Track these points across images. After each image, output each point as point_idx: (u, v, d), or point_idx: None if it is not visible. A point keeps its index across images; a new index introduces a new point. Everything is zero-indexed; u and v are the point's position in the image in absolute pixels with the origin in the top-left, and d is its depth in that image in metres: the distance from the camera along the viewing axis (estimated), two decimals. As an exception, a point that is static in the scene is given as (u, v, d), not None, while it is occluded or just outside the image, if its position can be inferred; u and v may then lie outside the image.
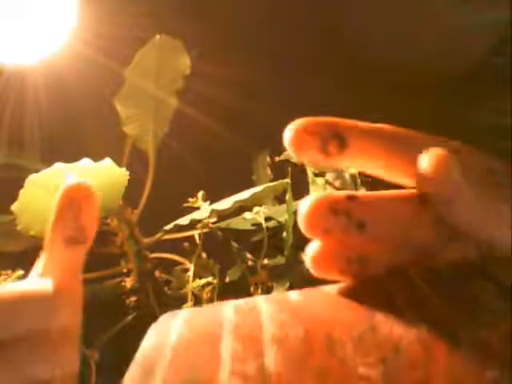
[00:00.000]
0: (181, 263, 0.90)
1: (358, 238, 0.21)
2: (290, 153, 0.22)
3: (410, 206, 0.22)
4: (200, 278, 0.86)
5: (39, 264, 0.26)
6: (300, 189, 0.89)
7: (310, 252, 0.22)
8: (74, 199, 0.26)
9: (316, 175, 0.89)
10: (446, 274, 0.21)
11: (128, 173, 0.74)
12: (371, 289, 0.21)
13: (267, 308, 0.20)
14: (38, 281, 0.25)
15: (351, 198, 0.21)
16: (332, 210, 0.21)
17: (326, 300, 0.20)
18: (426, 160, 0.21)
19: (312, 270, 0.22)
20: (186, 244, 0.92)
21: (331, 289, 0.22)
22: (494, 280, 0.20)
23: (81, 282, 0.27)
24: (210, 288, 0.86)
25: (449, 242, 0.22)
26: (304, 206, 0.21)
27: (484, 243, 0.21)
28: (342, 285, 0.22)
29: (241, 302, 0.21)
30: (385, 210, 0.21)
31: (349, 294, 0.21)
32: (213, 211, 0.81)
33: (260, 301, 0.21)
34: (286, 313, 0.20)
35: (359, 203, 0.21)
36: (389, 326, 0.18)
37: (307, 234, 0.22)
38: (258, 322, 0.19)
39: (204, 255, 0.90)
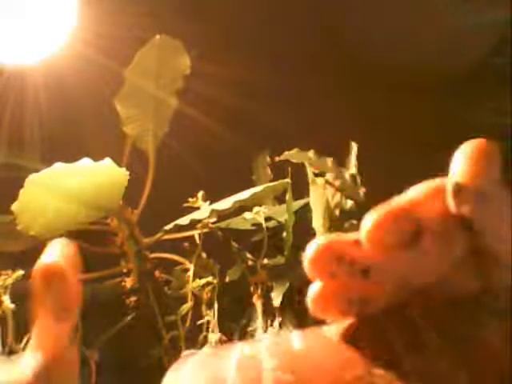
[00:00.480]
0: (181, 263, 0.90)
1: (361, 282, 0.22)
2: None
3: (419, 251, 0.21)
4: (200, 278, 0.86)
5: (31, 341, 0.26)
6: (300, 189, 0.89)
7: (312, 293, 0.22)
8: (49, 281, 0.26)
9: (316, 175, 0.89)
10: (446, 312, 0.21)
11: (128, 173, 0.74)
12: (370, 333, 0.21)
13: (269, 362, 0.20)
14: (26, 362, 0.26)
15: (357, 243, 0.21)
16: (337, 257, 0.21)
17: (326, 351, 0.20)
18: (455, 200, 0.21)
19: (313, 311, 0.23)
20: (185, 244, 0.92)
21: (331, 333, 0.22)
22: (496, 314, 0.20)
23: (74, 350, 0.28)
24: (209, 288, 0.86)
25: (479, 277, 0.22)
26: (310, 249, 0.21)
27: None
28: (341, 328, 0.22)
29: (245, 352, 0.21)
30: (389, 258, 0.21)
31: (348, 339, 0.21)
32: (213, 211, 0.81)
33: (263, 351, 0.21)
34: (287, 371, 0.20)
35: (364, 250, 0.21)
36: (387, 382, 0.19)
37: (312, 277, 0.22)
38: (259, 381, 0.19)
39: (204, 255, 0.90)
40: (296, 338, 0.21)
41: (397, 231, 0.20)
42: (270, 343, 0.21)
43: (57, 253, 0.26)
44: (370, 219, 0.20)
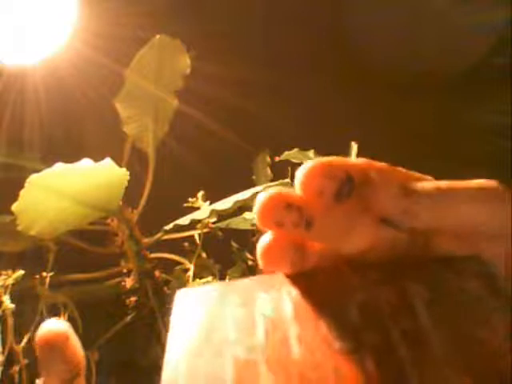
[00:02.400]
0: (181, 263, 0.90)
1: (304, 235, 0.22)
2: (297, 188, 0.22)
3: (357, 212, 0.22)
4: (200, 278, 0.86)
5: None
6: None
7: (261, 245, 0.23)
8: (54, 346, 0.26)
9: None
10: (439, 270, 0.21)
11: (128, 173, 0.74)
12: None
13: (271, 379, 0.20)
14: None
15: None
16: (286, 204, 0.22)
17: (329, 361, 0.20)
18: (376, 176, 0.22)
19: (263, 264, 0.23)
20: (186, 244, 0.92)
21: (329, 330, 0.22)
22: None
23: None
24: (210, 288, 0.86)
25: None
26: (260, 198, 0.22)
27: (450, 230, 0.22)
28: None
29: (240, 352, 0.21)
30: (332, 216, 0.22)
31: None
32: (213, 211, 0.81)
33: (259, 358, 0.21)
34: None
35: (310, 203, 0.22)
36: None
37: (261, 226, 0.23)
38: None
39: (204, 255, 0.90)
40: (295, 340, 0.21)
41: (330, 177, 0.21)
42: (266, 348, 0.21)
43: (55, 321, 0.27)
44: (305, 166, 0.22)
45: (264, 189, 0.80)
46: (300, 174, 0.22)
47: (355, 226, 0.22)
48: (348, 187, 0.22)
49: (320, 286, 0.22)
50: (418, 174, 0.24)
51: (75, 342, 0.27)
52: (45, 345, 0.26)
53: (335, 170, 0.22)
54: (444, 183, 0.23)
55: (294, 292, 0.22)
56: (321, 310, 0.21)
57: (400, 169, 0.23)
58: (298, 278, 0.23)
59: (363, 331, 0.20)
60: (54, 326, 0.27)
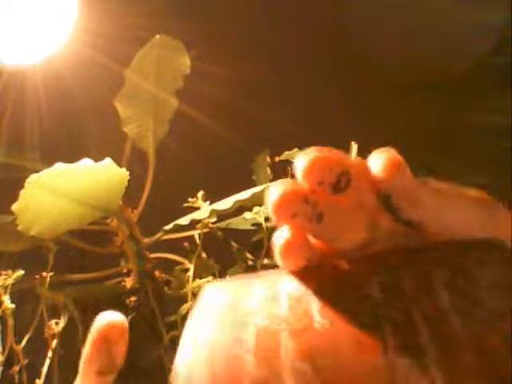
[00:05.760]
0: (181, 263, 0.90)
1: (314, 229, 0.23)
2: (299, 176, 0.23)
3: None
4: (200, 278, 0.86)
5: None
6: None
7: (280, 240, 0.23)
8: (109, 338, 0.27)
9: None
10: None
11: (128, 173, 0.74)
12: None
13: (291, 346, 0.20)
14: None
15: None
16: (301, 197, 0.22)
17: (350, 331, 0.21)
18: (380, 163, 0.23)
19: (282, 258, 0.23)
20: (186, 244, 0.92)
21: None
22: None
23: None
24: (210, 288, 0.86)
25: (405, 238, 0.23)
26: (275, 191, 0.23)
27: (444, 233, 0.23)
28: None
29: (263, 321, 0.21)
30: (335, 210, 0.23)
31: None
32: (213, 211, 0.81)
33: (282, 327, 0.21)
34: (308, 361, 0.20)
35: (325, 197, 0.23)
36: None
37: (275, 218, 0.23)
38: (280, 374, 0.20)
39: (204, 255, 0.90)
40: (320, 311, 0.21)
41: (328, 168, 0.22)
42: (289, 319, 0.21)
43: (115, 314, 0.28)
44: (305, 157, 0.22)
45: (264, 189, 0.80)
46: (301, 163, 0.22)
47: (354, 220, 0.23)
48: (345, 179, 0.22)
49: (339, 271, 0.22)
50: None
51: (126, 340, 0.28)
52: (100, 335, 0.27)
53: (333, 162, 0.22)
54: (448, 185, 0.24)
55: (318, 276, 0.23)
56: (343, 287, 0.22)
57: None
58: (316, 270, 0.23)
59: (384, 307, 0.20)
60: (115, 320, 0.27)
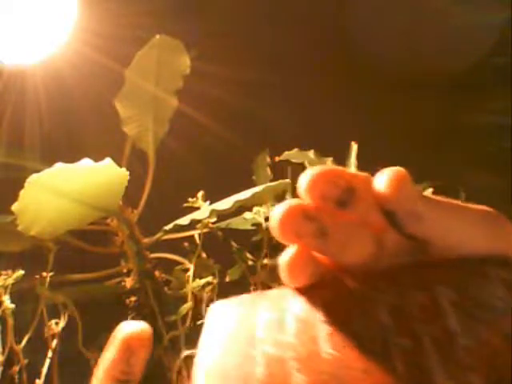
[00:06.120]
0: (181, 263, 0.90)
1: (319, 246, 0.23)
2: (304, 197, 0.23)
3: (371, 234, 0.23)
4: (200, 278, 0.86)
5: None
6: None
7: (285, 258, 0.23)
8: (132, 347, 0.27)
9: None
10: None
11: (128, 173, 0.74)
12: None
13: (301, 378, 0.20)
14: None
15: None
16: (304, 215, 0.22)
17: (359, 360, 0.20)
18: (384, 179, 0.23)
19: (286, 276, 0.23)
20: (186, 244, 0.92)
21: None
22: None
23: None
24: (209, 288, 0.86)
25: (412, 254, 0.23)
26: (278, 210, 0.23)
27: (449, 249, 0.23)
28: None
29: (270, 349, 0.21)
30: (339, 226, 0.23)
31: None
32: (213, 211, 0.81)
33: (290, 355, 0.21)
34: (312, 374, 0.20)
35: (329, 212, 0.23)
36: None
37: (280, 238, 0.23)
38: None
39: (204, 255, 0.90)
40: (327, 341, 0.21)
41: (332, 183, 0.22)
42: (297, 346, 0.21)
43: (141, 324, 0.27)
44: (309, 173, 0.22)
45: (264, 189, 0.80)
46: (304, 179, 0.22)
47: (360, 235, 0.23)
48: (349, 194, 0.22)
49: (346, 291, 0.22)
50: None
51: (148, 350, 0.28)
52: (123, 344, 0.27)
53: (337, 177, 0.22)
54: (451, 200, 0.24)
55: (324, 296, 0.22)
56: (351, 311, 0.21)
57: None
58: (321, 287, 0.23)
59: (393, 334, 0.20)
60: (139, 328, 0.27)
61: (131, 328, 0.27)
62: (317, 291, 0.23)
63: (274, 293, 0.24)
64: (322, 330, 0.21)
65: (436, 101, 1.12)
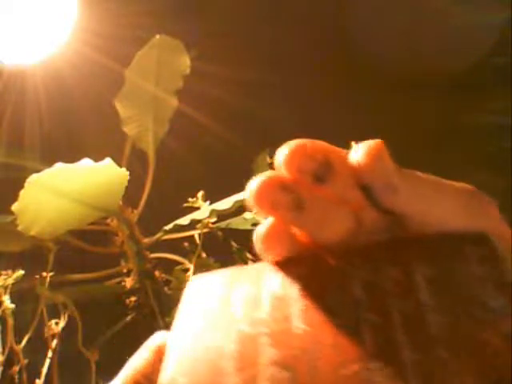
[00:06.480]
0: (181, 263, 0.90)
1: (295, 220, 0.23)
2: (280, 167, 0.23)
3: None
4: (200, 278, 0.86)
5: None
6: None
7: (260, 230, 0.23)
8: (162, 356, 0.27)
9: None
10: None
11: (128, 173, 0.74)
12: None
13: (270, 353, 0.20)
14: None
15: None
16: (281, 186, 0.22)
17: (330, 336, 0.20)
18: (360, 152, 0.22)
19: (261, 248, 0.23)
20: (186, 244, 0.92)
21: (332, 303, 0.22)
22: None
23: None
24: (210, 288, 0.86)
25: (389, 228, 0.23)
26: (255, 181, 0.23)
27: (427, 225, 0.23)
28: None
29: (244, 326, 0.21)
30: (316, 201, 0.23)
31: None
32: (213, 211, 0.81)
33: (262, 332, 0.21)
34: (286, 369, 0.20)
35: (307, 187, 0.22)
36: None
37: (255, 208, 0.23)
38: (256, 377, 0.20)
39: (204, 255, 0.90)
40: (298, 316, 0.21)
41: (310, 157, 0.22)
42: (269, 319, 0.21)
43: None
44: (287, 146, 0.22)
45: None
46: (282, 152, 0.22)
47: (336, 212, 0.23)
48: (327, 169, 0.22)
49: (322, 267, 0.22)
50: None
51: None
52: (158, 351, 0.27)
53: (314, 151, 0.22)
54: (430, 176, 0.23)
55: (301, 271, 0.22)
56: (326, 287, 0.21)
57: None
58: (298, 262, 0.23)
59: (364, 309, 0.20)
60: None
61: (165, 337, 0.27)
62: (294, 267, 0.23)
63: (252, 268, 0.24)
64: (297, 306, 0.21)
65: (436, 101, 1.12)
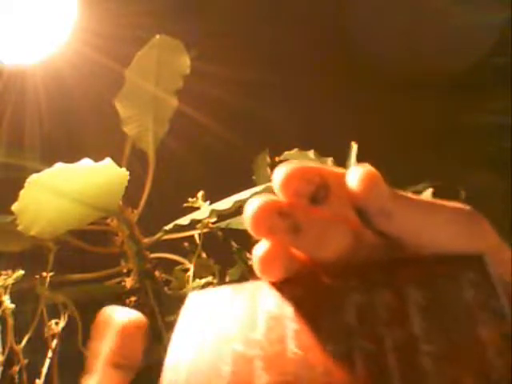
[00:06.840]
0: (181, 263, 0.90)
1: (292, 242, 0.23)
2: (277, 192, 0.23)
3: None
4: (200, 278, 0.86)
5: None
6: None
7: (258, 252, 0.23)
8: (131, 333, 0.27)
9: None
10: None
11: (128, 173, 0.74)
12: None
13: (265, 379, 0.20)
14: None
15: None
16: (277, 211, 0.23)
17: (323, 362, 0.20)
18: (355, 178, 0.23)
19: (260, 270, 0.24)
20: (186, 244, 0.92)
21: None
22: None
23: None
24: (210, 288, 0.86)
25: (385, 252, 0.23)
26: (251, 207, 0.23)
27: (423, 247, 0.23)
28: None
29: (239, 346, 0.21)
30: (313, 222, 0.23)
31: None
32: (213, 211, 0.81)
33: (257, 354, 0.21)
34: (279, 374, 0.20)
35: (303, 210, 0.23)
36: None
37: (253, 233, 0.23)
38: None
39: (204, 255, 0.90)
40: (292, 340, 0.21)
41: (306, 180, 0.22)
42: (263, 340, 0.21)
43: (133, 312, 0.28)
44: (283, 170, 0.23)
45: (264, 189, 0.80)
46: (278, 176, 0.22)
47: (333, 231, 0.23)
48: (323, 191, 0.22)
49: (318, 287, 0.22)
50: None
51: (143, 334, 0.28)
52: (119, 329, 0.27)
53: (311, 174, 0.23)
54: (425, 198, 0.23)
55: (296, 292, 0.22)
56: (320, 308, 0.21)
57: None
58: (295, 282, 0.23)
59: (358, 335, 0.20)
60: (133, 315, 0.28)
61: (126, 315, 0.27)
62: (290, 286, 0.23)
63: (250, 286, 0.24)
64: (291, 327, 0.21)
65: (436, 101, 1.12)
